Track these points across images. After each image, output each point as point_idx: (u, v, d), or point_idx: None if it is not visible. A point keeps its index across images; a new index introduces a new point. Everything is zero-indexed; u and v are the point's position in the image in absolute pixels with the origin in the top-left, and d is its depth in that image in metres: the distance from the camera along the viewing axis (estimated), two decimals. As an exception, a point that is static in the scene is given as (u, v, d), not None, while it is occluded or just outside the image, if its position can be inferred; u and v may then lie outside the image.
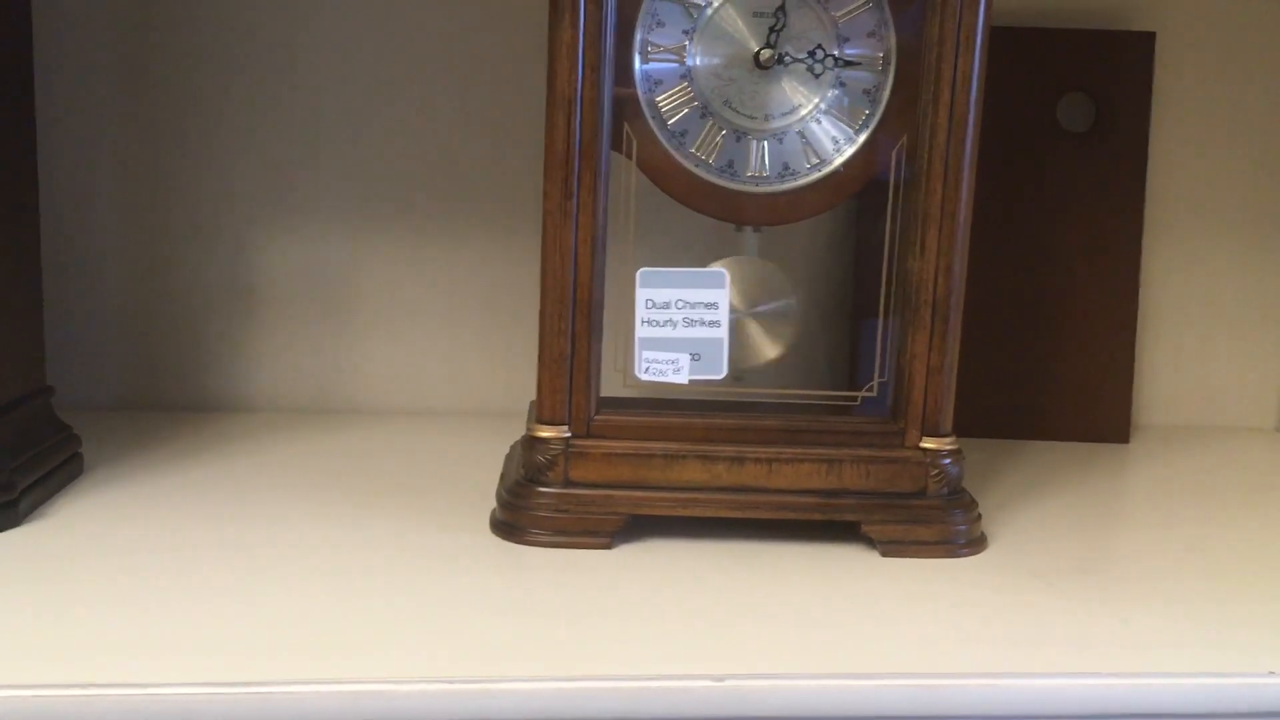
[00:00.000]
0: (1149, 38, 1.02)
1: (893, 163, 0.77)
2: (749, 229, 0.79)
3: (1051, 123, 1.02)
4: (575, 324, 0.75)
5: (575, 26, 0.71)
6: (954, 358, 0.77)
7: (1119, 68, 1.02)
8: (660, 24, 0.75)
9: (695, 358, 0.76)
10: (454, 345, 1.04)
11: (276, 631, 0.63)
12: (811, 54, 0.76)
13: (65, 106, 0.97)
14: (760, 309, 0.79)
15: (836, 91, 0.76)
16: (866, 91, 0.76)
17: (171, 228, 1.00)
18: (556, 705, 0.58)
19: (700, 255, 0.79)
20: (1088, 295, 1.03)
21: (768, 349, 0.80)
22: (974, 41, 0.73)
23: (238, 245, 1.01)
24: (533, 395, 0.78)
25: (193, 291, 1.01)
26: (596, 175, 0.73)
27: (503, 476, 0.82)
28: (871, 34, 0.76)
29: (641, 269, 0.75)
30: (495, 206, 1.02)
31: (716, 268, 0.78)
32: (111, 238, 1.00)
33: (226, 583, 0.68)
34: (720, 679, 0.59)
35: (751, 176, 0.77)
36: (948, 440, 0.77)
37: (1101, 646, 0.65)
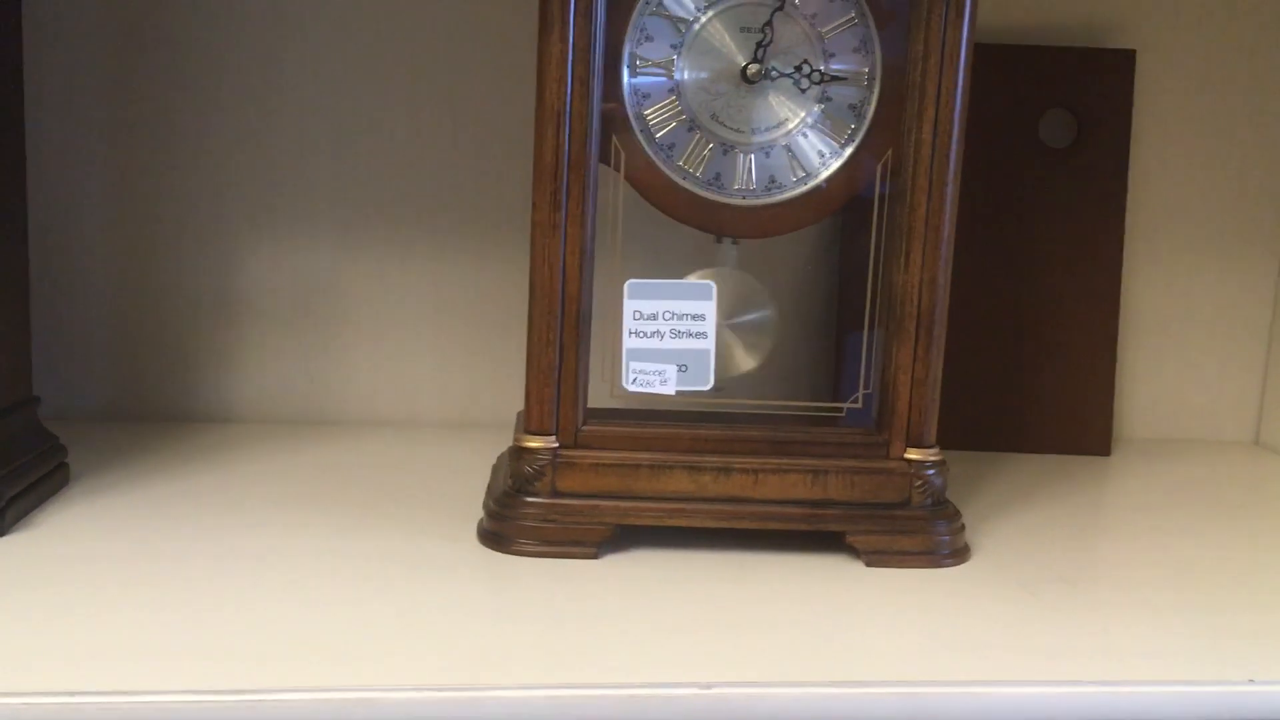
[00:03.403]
0: (1129, 55, 1.04)
1: (877, 177, 0.77)
2: (728, 240, 0.80)
3: (1033, 138, 1.03)
4: (563, 335, 0.75)
5: (564, 40, 0.72)
6: (938, 370, 0.78)
7: (1100, 85, 1.03)
8: (649, 38, 0.75)
9: (682, 369, 0.77)
10: (441, 356, 1.04)
11: (263, 639, 0.63)
12: (798, 69, 0.77)
13: (53, 116, 0.97)
14: (738, 320, 0.80)
15: (822, 106, 0.77)
16: (852, 106, 0.77)
17: (158, 238, 1.00)
18: (544, 713, 0.59)
19: (679, 266, 0.79)
20: (1069, 309, 1.04)
21: (745, 360, 0.80)
22: (958, 58, 0.74)
23: (225, 255, 1.01)
24: (520, 406, 0.78)
25: (179, 302, 1.01)
26: (585, 188, 0.74)
27: (490, 487, 0.82)
28: (857, 49, 0.76)
29: (629, 280, 0.76)
30: (483, 218, 1.02)
31: (700, 279, 0.78)
32: (98, 248, 1.00)
33: (213, 592, 0.68)
34: (707, 687, 0.60)
35: (738, 190, 0.77)
36: (932, 451, 0.78)
37: (1083, 655, 0.66)
